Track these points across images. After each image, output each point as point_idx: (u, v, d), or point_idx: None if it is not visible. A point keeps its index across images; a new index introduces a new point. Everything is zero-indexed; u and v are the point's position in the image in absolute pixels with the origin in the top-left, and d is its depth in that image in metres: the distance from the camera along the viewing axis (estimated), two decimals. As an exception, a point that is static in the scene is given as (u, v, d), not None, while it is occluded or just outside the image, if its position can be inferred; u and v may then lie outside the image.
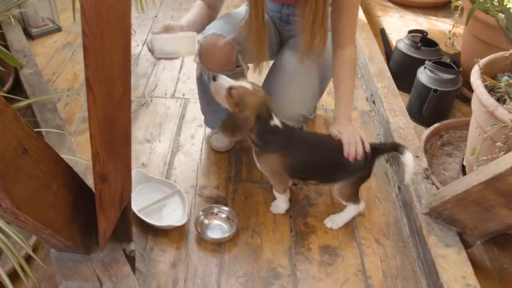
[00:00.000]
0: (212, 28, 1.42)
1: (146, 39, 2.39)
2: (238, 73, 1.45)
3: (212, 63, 1.41)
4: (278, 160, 1.31)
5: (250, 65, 1.51)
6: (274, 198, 1.47)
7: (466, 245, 1.31)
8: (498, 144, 1.23)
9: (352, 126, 1.36)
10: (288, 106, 1.42)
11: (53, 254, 1.17)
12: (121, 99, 0.89)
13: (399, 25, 2.63)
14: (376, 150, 1.34)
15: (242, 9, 1.44)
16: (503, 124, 1.22)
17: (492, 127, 1.24)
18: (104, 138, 0.93)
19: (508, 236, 1.42)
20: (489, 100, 1.28)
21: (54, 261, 1.15)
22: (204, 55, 1.42)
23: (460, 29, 2.20)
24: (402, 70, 2.03)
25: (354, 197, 1.38)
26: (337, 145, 1.31)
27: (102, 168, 0.98)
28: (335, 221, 1.42)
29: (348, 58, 1.40)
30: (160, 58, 1.31)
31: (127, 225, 1.20)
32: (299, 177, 1.43)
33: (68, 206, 1.03)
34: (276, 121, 1.28)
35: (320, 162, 1.34)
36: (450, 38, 2.22)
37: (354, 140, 1.30)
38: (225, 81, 1.27)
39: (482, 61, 1.46)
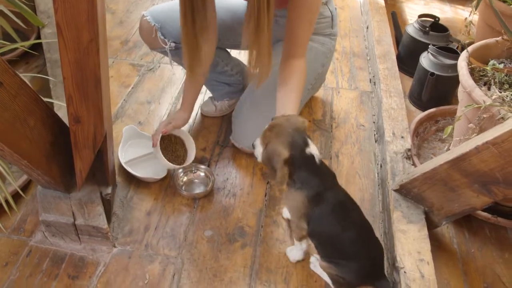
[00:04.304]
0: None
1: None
2: (168, 51, 1.54)
3: (146, 42, 1.60)
4: (301, 200, 1.11)
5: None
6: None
7: (433, 225, 1.33)
8: (471, 125, 1.23)
9: None
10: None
11: (38, 189, 1.29)
12: (89, 45, 0.97)
13: (423, 12, 2.57)
14: None
15: None
16: (476, 105, 1.21)
17: (466, 108, 1.23)
18: (75, 81, 1.02)
19: (482, 222, 1.41)
20: (468, 82, 1.27)
21: (38, 195, 1.27)
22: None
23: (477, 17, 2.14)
24: (410, 54, 2.01)
25: None
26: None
27: (75, 110, 1.07)
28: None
29: (300, 67, 1.32)
30: None
31: (105, 170, 1.30)
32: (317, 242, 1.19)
33: (46, 143, 1.14)
34: (313, 150, 1.10)
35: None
36: (466, 26, 2.15)
37: None
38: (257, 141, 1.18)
39: (474, 45, 1.44)
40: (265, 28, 1.16)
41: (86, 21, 0.93)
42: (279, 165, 1.06)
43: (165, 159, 1.39)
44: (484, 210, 1.38)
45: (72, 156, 1.17)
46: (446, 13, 2.58)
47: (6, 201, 1.30)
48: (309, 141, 1.10)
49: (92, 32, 0.96)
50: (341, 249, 1.12)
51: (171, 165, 1.41)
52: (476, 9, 1.79)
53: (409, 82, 1.97)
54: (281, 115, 1.18)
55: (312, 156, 1.09)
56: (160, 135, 1.40)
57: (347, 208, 1.13)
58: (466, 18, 2.14)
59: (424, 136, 1.71)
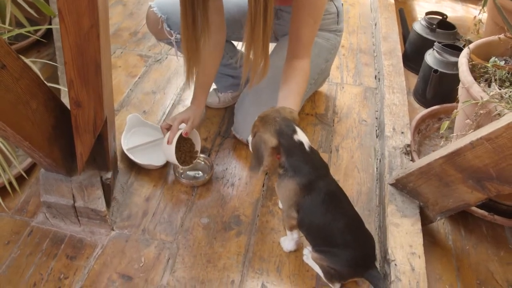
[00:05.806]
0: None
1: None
2: (174, 42, 1.56)
3: (152, 33, 1.64)
4: (293, 188, 1.12)
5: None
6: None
7: (427, 220, 1.33)
8: (468, 121, 1.23)
9: None
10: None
11: (41, 172, 1.33)
12: (89, 31, 1.00)
13: (434, 10, 2.55)
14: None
15: None
16: (473, 101, 1.21)
17: (464, 103, 1.23)
18: (76, 66, 1.05)
19: (479, 220, 1.41)
20: (467, 78, 1.27)
21: (40, 178, 1.31)
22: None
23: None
24: (416, 52, 2.00)
25: None
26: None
27: (76, 94, 1.11)
28: None
29: (303, 68, 1.33)
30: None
31: (105, 155, 1.33)
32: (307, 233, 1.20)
33: (49, 126, 1.17)
34: (301, 137, 1.12)
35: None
36: (475, 25, 2.13)
37: None
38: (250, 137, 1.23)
39: (476, 42, 1.43)
40: (260, 34, 1.15)
41: (87, 7, 0.96)
42: (266, 153, 1.08)
43: (177, 160, 1.40)
44: (481, 208, 1.37)
45: (74, 140, 1.21)
46: (457, 12, 2.56)
47: (10, 183, 1.35)
48: (297, 129, 1.11)
49: (92, 18, 0.98)
50: (330, 239, 1.13)
51: (180, 165, 1.43)
52: (484, 7, 1.77)
53: (415, 79, 1.96)
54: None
55: (301, 143, 1.10)
56: (178, 134, 1.39)
57: (338, 198, 1.14)
58: (475, 17, 2.13)
59: (426, 133, 1.71)
